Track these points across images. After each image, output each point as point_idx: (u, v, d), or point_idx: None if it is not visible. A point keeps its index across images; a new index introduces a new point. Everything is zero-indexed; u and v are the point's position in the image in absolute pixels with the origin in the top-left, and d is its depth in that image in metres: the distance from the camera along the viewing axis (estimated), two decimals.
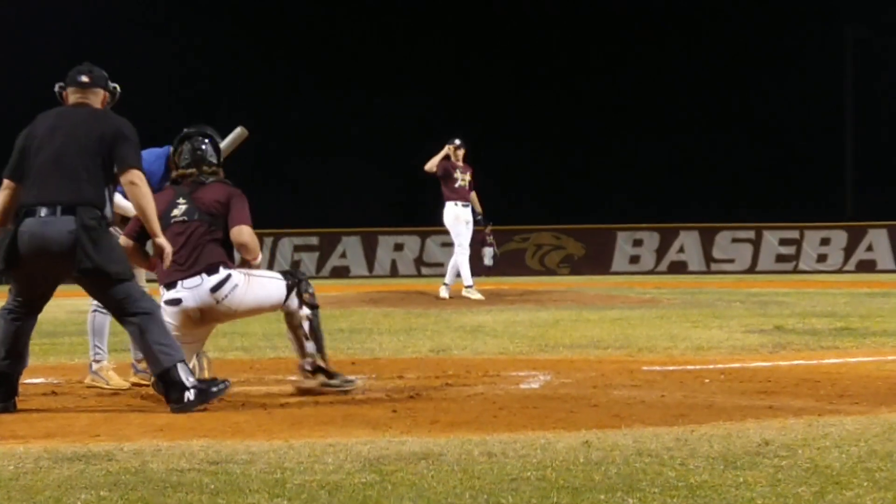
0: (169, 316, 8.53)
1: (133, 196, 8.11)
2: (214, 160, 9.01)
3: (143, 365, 9.15)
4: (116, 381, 9.30)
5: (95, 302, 9.22)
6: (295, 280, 8.88)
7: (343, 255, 35.44)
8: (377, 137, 40.69)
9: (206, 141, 9.03)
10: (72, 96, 8.36)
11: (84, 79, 8.36)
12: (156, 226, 8.16)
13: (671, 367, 10.48)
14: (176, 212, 8.76)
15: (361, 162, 39.96)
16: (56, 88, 8.45)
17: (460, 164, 20.21)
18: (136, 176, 8.07)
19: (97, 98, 8.37)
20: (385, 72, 40.63)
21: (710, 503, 5.27)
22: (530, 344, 12.66)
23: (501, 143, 40.25)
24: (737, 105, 40.97)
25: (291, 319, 8.93)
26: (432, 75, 40.54)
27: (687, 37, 40.98)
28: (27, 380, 9.64)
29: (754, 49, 40.64)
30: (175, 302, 8.62)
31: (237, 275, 8.70)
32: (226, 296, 8.63)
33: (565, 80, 41.67)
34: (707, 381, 9.50)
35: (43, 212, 7.97)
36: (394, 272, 34.94)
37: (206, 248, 8.67)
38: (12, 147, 8.29)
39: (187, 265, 8.63)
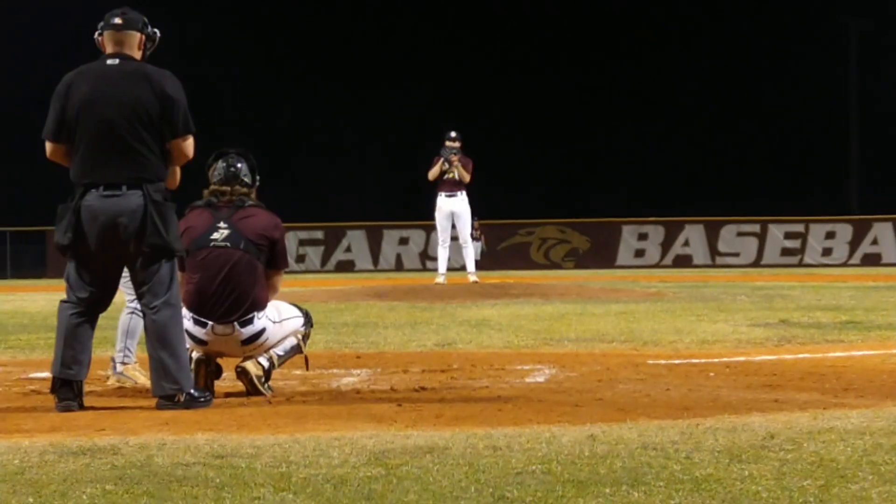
0: (188, 341, 8.35)
1: (179, 165, 8.03)
2: (249, 180, 8.78)
3: (121, 367, 9.15)
4: (143, 379, 9.21)
5: (133, 303, 9.02)
6: (306, 315, 8.85)
7: (348, 250, 35.46)
8: (382, 132, 40.71)
9: (242, 159, 8.84)
10: (108, 42, 8.04)
11: (117, 20, 8.04)
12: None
13: (676, 361, 10.48)
14: (216, 235, 8.54)
15: (366, 156, 39.98)
16: (95, 35, 8.15)
17: (455, 157, 20.38)
18: (190, 148, 7.91)
19: (133, 41, 8.04)
20: (390, 67, 40.62)
21: (715, 496, 5.26)
22: (535, 338, 12.66)
23: (506, 138, 40.24)
24: (741, 99, 40.98)
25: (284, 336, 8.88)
26: (437, 70, 40.54)
27: (692, 32, 40.96)
28: (34, 374, 9.66)
29: (759, 44, 40.63)
30: (200, 342, 8.49)
31: (269, 326, 8.56)
32: (255, 348, 8.58)
33: (571, 75, 41.66)
34: (712, 374, 9.49)
35: (106, 188, 7.74)
36: (399, 266, 34.95)
37: (244, 287, 8.46)
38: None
39: (221, 304, 8.43)
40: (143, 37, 8.12)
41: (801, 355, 10.94)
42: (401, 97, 39.83)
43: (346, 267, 34.75)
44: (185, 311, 8.33)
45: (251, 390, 8.47)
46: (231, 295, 8.45)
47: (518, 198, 39.51)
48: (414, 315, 15.94)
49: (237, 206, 8.68)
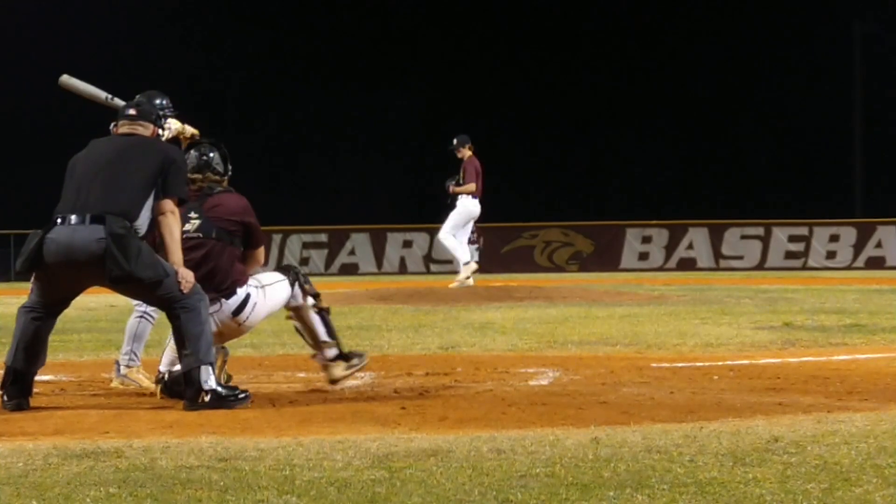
0: None
1: (164, 225, 8.10)
2: (221, 169, 8.93)
3: (125, 370, 9.20)
4: (147, 383, 9.26)
5: (141, 307, 9.22)
6: (293, 275, 8.92)
7: (352, 252, 35.46)
8: (386, 134, 40.71)
9: (214, 149, 8.99)
10: (122, 129, 8.49)
11: (132, 111, 8.51)
12: (178, 257, 8.11)
13: (680, 364, 10.47)
14: (188, 227, 8.63)
15: (370, 159, 39.99)
16: (111, 126, 8.67)
17: (451, 187, 20.75)
18: (172, 206, 8.12)
19: (146, 131, 8.47)
20: (394, 69, 40.62)
21: (718, 500, 5.26)
22: (539, 341, 12.66)
23: (510, 140, 40.25)
24: (745, 103, 40.93)
25: (299, 313, 8.95)
26: (441, 72, 40.55)
27: (696, 34, 40.95)
28: (36, 377, 9.65)
29: (763, 46, 40.60)
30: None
31: (253, 291, 8.68)
32: (247, 317, 8.65)
33: (575, 77, 41.66)
34: (716, 377, 9.49)
35: (72, 219, 7.98)
36: (402, 269, 34.95)
37: (223, 268, 8.61)
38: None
39: (206, 288, 8.48)
40: (156, 129, 8.59)
41: (805, 358, 10.93)
42: (404, 99, 39.85)
43: (349, 270, 34.76)
44: None
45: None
46: (209, 276, 8.51)
47: (521, 201, 39.51)
48: (417, 318, 15.94)
49: (206, 194, 8.82)
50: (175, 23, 38.12)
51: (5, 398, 8.10)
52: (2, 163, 39.45)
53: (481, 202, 20.91)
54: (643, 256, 34.76)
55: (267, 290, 8.76)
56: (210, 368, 8.06)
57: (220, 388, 8.07)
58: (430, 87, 39.94)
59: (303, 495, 5.37)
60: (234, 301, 8.61)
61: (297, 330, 9.11)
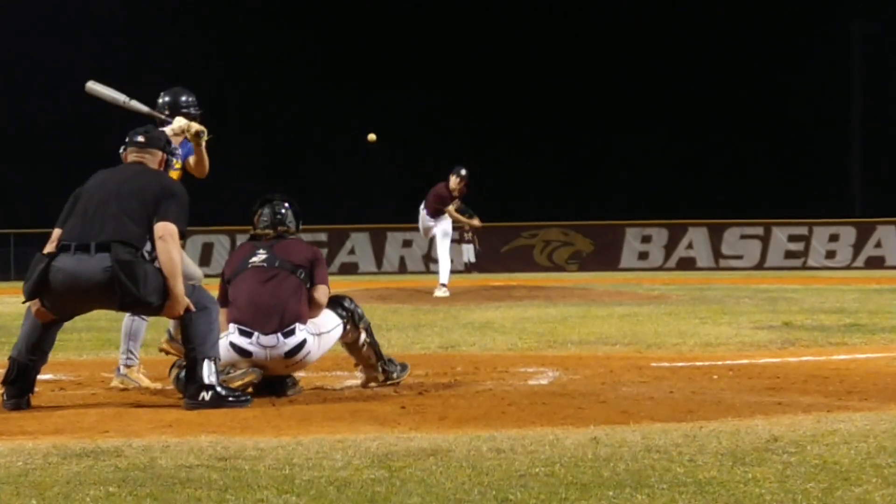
0: (231, 358, 8.58)
1: (160, 250, 8.08)
2: (293, 226, 9.13)
3: (125, 370, 9.22)
4: (146, 382, 9.28)
5: None
6: (348, 313, 9.00)
7: (352, 252, 35.48)
8: (385, 134, 40.69)
9: (287, 206, 9.17)
10: (130, 156, 8.55)
11: (140, 139, 8.55)
12: (179, 283, 8.08)
13: (680, 364, 10.47)
14: (255, 259, 8.85)
15: (370, 158, 39.99)
16: (120, 150, 8.70)
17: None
18: (168, 230, 8.09)
19: (154, 159, 8.52)
20: (393, 68, 40.61)
21: (718, 499, 5.26)
22: (539, 340, 12.66)
23: (510, 140, 40.25)
24: (745, 102, 40.91)
25: (351, 346, 9.12)
26: (441, 71, 40.54)
27: (695, 34, 40.94)
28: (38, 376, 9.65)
29: (762, 46, 40.58)
30: (245, 353, 8.63)
31: (310, 338, 8.74)
32: (298, 361, 8.71)
33: (574, 77, 41.66)
34: (716, 377, 9.49)
35: (79, 248, 8.01)
36: (402, 269, 34.94)
37: (287, 301, 8.69)
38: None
39: (266, 315, 8.61)
40: (164, 155, 8.60)
41: (804, 358, 10.93)
42: (403, 98, 39.85)
43: (349, 269, 34.76)
44: (231, 327, 8.65)
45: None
46: (274, 307, 8.65)
47: (521, 200, 39.50)
48: (417, 317, 15.94)
49: (277, 237, 9.04)
50: (174, 21, 38.12)
51: (5, 397, 8.11)
52: (1, 162, 39.46)
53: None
54: (643, 256, 34.77)
55: (322, 338, 8.85)
56: (213, 365, 8.08)
57: (220, 388, 8.08)
58: (430, 87, 39.93)
59: (302, 494, 5.37)
60: (292, 342, 8.66)
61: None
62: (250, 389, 8.46)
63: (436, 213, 20.67)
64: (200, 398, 8.00)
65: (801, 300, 18.78)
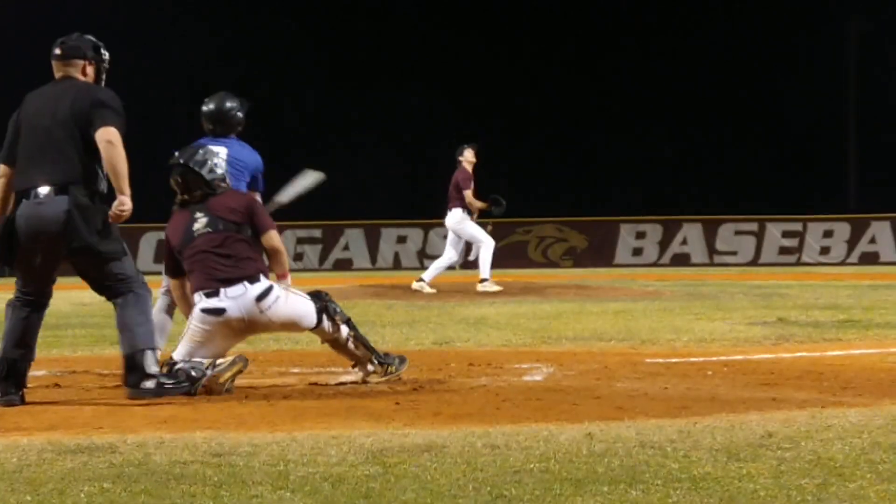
0: (208, 325, 8.57)
1: (107, 155, 7.97)
2: (208, 178, 8.86)
3: None
4: None
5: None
6: (322, 303, 8.94)
7: (346, 248, 35.44)
8: (380, 129, 40.67)
9: (187, 171, 8.88)
10: (55, 71, 8.35)
11: (56, 51, 8.33)
12: (124, 183, 7.98)
13: (674, 360, 10.48)
14: (197, 225, 8.76)
15: (365, 154, 39.97)
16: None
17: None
18: (112, 134, 7.98)
19: (76, 69, 8.28)
20: (388, 66, 40.55)
21: (712, 495, 5.26)
22: (533, 336, 12.66)
23: (505, 135, 40.26)
24: (740, 97, 40.89)
25: (335, 343, 9.06)
26: (436, 68, 40.50)
27: (691, 31, 40.94)
28: (32, 372, 9.63)
29: (758, 42, 40.56)
30: (218, 312, 8.61)
31: (276, 287, 8.75)
32: (269, 306, 8.67)
33: (570, 73, 41.64)
34: (710, 373, 9.49)
35: (37, 193, 7.99)
36: (396, 265, 34.92)
37: (242, 255, 8.69)
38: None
39: (225, 271, 8.62)
40: (86, 62, 8.32)
41: (798, 354, 10.94)
42: (399, 96, 39.81)
43: (343, 265, 34.71)
44: (196, 296, 8.65)
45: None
46: (231, 263, 8.64)
47: (516, 196, 39.47)
48: (412, 314, 15.94)
49: (207, 194, 8.86)
50: (174, 20, 38.02)
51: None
52: None
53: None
54: (637, 252, 34.77)
55: (290, 295, 8.82)
56: (153, 354, 8.08)
57: (161, 377, 8.08)
58: (426, 83, 39.88)
59: (297, 491, 5.37)
60: (258, 287, 8.64)
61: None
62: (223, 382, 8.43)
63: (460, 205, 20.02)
64: (143, 387, 7.99)
65: (796, 296, 18.79)
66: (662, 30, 41.15)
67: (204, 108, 9.89)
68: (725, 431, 6.64)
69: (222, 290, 8.62)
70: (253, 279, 8.67)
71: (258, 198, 9.42)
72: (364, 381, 9.09)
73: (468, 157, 20.13)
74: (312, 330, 8.96)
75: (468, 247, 21.02)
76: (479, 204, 20.13)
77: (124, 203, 8.00)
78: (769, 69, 40.56)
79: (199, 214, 8.80)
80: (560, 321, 14.43)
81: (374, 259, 35.31)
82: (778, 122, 40.60)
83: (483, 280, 19.93)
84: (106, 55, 8.44)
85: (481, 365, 10.07)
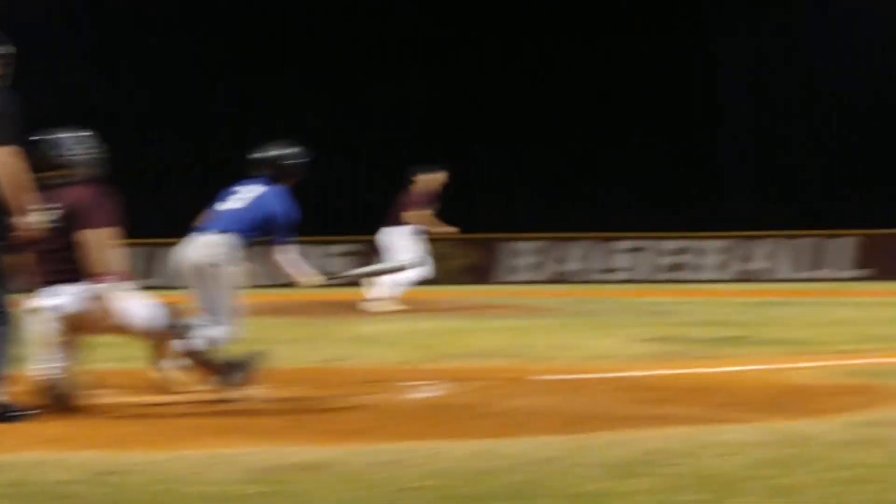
0: (47, 320, 8.36)
1: None
2: (64, 161, 8.49)
3: None
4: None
5: None
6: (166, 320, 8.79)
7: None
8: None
9: (62, 140, 8.57)
10: None
11: None
12: (19, 198, 7.68)
13: (565, 377, 10.47)
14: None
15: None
16: None
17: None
18: (2, 153, 7.60)
19: None
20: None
21: None
22: (427, 353, 12.61)
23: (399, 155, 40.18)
24: (614, 112, 40.67)
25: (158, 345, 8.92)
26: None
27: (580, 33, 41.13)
28: None
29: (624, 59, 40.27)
30: (55, 308, 8.41)
31: (121, 288, 8.53)
32: (112, 296, 8.46)
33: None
34: (600, 389, 9.50)
35: None
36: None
37: (74, 255, 8.39)
38: None
39: (68, 277, 8.40)
40: None
41: (689, 370, 10.98)
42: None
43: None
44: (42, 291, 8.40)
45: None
46: (73, 269, 8.34)
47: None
48: (307, 331, 15.81)
49: (61, 185, 8.47)
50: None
51: None
52: None
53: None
54: (527, 269, 34.93)
55: (134, 298, 8.60)
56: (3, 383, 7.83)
57: (4, 404, 7.78)
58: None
59: None
60: (103, 283, 8.38)
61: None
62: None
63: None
64: None
65: (686, 312, 18.92)
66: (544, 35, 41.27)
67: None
68: (617, 447, 6.63)
69: (61, 285, 8.40)
70: (98, 278, 8.42)
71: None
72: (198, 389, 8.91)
73: (440, 179, 21.45)
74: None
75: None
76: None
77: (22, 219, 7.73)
78: (636, 76, 40.21)
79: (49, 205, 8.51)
80: (452, 338, 14.39)
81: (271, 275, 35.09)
82: (660, 138, 40.63)
83: (376, 299, 19.86)
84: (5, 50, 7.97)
85: (376, 382, 10.01)
